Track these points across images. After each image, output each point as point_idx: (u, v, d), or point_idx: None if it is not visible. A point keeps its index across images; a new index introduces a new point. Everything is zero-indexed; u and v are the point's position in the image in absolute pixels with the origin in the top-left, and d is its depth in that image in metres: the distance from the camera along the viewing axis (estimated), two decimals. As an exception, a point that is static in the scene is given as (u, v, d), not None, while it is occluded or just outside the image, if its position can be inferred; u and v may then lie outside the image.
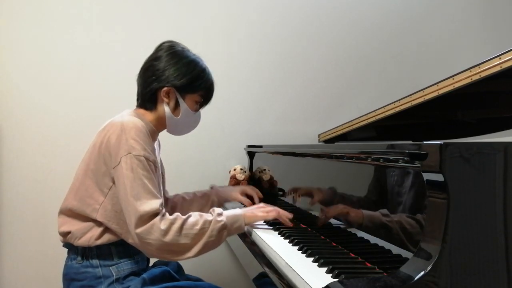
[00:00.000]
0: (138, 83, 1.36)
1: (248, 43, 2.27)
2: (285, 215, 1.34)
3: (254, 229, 1.35)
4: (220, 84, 2.24)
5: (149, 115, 1.34)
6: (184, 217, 1.18)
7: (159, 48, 1.36)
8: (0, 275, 2.04)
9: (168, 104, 1.32)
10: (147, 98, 1.33)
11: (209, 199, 1.64)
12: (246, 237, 1.38)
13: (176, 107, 1.34)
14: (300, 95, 2.33)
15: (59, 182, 2.04)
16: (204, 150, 2.21)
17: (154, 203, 1.15)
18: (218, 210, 1.25)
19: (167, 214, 1.17)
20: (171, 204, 1.60)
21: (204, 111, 2.17)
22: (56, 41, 2.09)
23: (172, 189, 1.66)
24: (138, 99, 1.37)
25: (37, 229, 2.05)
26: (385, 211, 0.96)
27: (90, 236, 1.23)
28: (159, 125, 1.37)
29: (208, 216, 1.21)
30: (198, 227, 1.17)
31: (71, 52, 2.09)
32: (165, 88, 1.30)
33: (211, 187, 1.72)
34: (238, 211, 1.28)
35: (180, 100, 1.33)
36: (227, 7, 2.25)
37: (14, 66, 2.05)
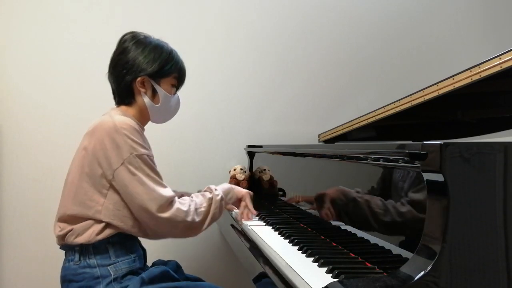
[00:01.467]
0: (111, 81, 1.36)
1: (248, 43, 2.28)
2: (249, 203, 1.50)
3: (254, 229, 1.35)
4: (221, 84, 2.27)
5: (131, 111, 1.34)
6: (190, 198, 1.30)
7: (121, 41, 1.36)
8: (0, 275, 2.04)
9: (145, 93, 1.32)
10: (124, 94, 1.33)
11: None
12: (246, 237, 1.38)
13: (154, 95, 1.34)
14: (300, 95, 2.33)
15: (59, 182, 2.01)
16: (204, 150, 2.21)
17: (168, 191, 1.25)
18: (212, 186, 1.37)
19: (177, 201, 1.27)
20: None
21: (204, 111, 2.19)
22: (56, 41, 2.09)
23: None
24: (115, 97, 1.37)
25: (37, 229, 2.05)
26: (384, 211, 0.96)
27: (91, 232, 1.23)
28: (142, 118, 1.37)
29: (207, 194, 1.34)
30: (205, 204, 1.30)
31: (71, 52, 2.09)
32: (138, 78, 1.30)
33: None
34: (227, 185, 1.47)
35: (157, 87, 1.33)
36: (227, 7, 2.25)
37: (14, 66, 2.05)
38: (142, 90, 1.32)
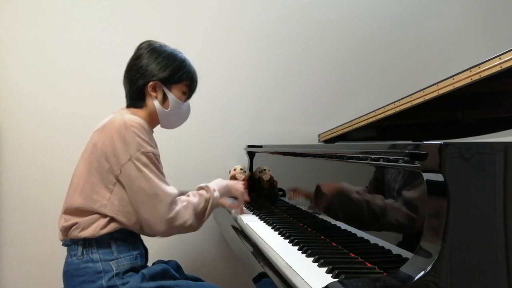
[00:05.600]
0: (124, 84, 1.42)
1: (248, 43, 2.28)
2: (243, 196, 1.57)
3: (254, 229, 1.35)
4: (220, 84, 2.27)
5: (140, 113, 1.38)
6: (188, 199, 1.33)
7: (138, 48, 1.42)
8: (0, 275, 2.04)
9: (156, 97, 1.38)
10: (135, 96, 1.39)
11: None
12: (246, 237, 1.38)
13: (164, 100, 1.39)
14: (300, 95, 2.33)
15: (59, 182, 2.04)
16: (204, 150, 2.21)
17: (172, 189, 1.29)
18: (210, 185, 1.42)
19: (177, 201, 1.30)
20: None
21: (204, 111, 2.19)
22: (56, 41, 2.09)
23: (172, 189, 1.66)
24: (127, 101, 1.43)
25: (37, 229, 2.05)
26: (385, 211, 0.96)
27: (96, 226, 1.26)
28: (152, 121, 1.41)
29: (205, 193, 1.39)
30: (202, 205, 1.35)
31: (71, 52, 2.10)
32: (150, 83, 1.36)
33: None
34: (222, 182, 1.51)
35: (167, 92, 1.39)
36: (227, 7, 2.26)
37: (14, 66, 2.05)
38: (153, 94, 1.38)
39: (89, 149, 1.31)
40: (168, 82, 1.38)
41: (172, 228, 1.27)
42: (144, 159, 1.25)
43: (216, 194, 1.41)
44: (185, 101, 1.45)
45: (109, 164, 1.25)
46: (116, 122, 1.27)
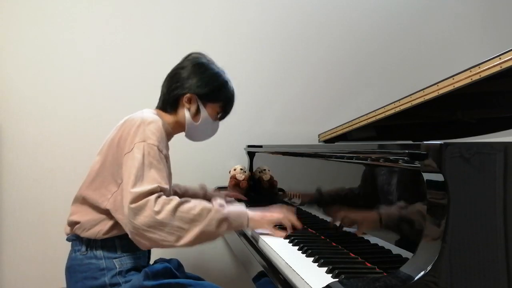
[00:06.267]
0: (162, 87, 1.44)
1: (248, 43, 2.27)
2: (292, 221, 1.28)
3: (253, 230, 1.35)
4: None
5: (168, 117, 1.40)
6: (181, 199, 1.16)
7: (186, 58, 1.44)
8: (0, 275, 2.04)
9: (189, 109, 1.39)
10: (169, 102, 1.40)
11: (198, 197, 1.68)
12: (246, 237, 1.38)
13: (196, 114, 1.41)
14: (300, 95, 2.33)
15: (59, 182, 2.04)
16: (204, 150, 2.21)
17: (153, 185, 1.14)
18: (220, 201, 1.22)
19: (164, 196, 1.15)
20: None
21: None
22: (56, 41, 2.09)
23: (172, 189, 1.67)
24: (159, 102, 1.44)
25: (37, 229, 2.05)
26: (384, 211, 0.96)
27: (98, 230, 1.26)
28: (176, 128, 1.43)
29: (208, 205, 1.18)
30: (195, 212, 1.14)
31: (71, 52, 2.09)
32: (187, 95, 1.38)
33: (201, 187, 1.81)
34: (242, 208, 1.26)
35: (201, 107, 1.40)
36: (227, 7, 2.25)
37: (14, 66, 2.05)
38: (187, 105, 1.39)
39: (107, 144, 1.31)
40: (205, 98, 1.39)
41: (138, 222, 1.11)
42: (144, 149, 1.18)
43: (223, 210, 1.18)
44: (216, 119, 1.46)
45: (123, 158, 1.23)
46: (134, 119, 1.27)
